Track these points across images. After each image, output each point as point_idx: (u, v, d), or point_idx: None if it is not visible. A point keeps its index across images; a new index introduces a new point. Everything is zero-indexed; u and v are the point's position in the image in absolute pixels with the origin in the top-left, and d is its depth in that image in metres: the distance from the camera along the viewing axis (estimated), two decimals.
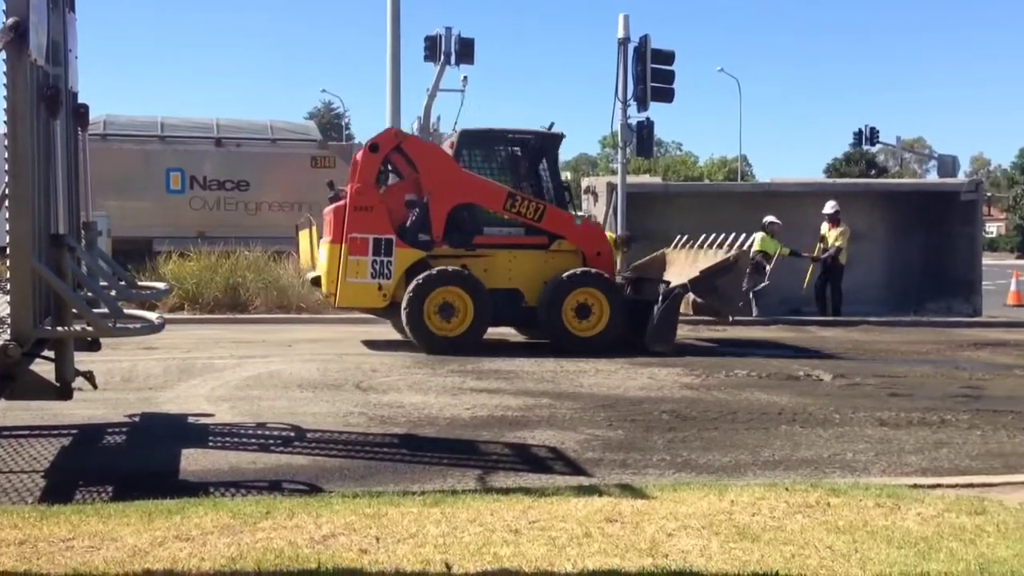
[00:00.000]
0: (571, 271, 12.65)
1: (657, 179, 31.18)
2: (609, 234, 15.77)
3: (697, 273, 12.83)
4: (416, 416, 8.12)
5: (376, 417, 8.04)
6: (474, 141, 13.36)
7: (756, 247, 17.20)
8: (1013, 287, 22.90)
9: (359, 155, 12.78)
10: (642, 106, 18.33)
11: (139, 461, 6.55)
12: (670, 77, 18.35)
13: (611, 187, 19.17)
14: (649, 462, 6.68)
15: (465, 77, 35.64)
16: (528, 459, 6.76)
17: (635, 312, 12.83)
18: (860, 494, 5.38)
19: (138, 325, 5.82)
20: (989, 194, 58.88)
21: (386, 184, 12.89)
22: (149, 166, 22.02)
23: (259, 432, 7.44)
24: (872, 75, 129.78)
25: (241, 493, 5.57)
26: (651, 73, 18.02)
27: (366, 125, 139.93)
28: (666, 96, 18.41)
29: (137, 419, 7.83)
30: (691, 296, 13.01)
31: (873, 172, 63.64)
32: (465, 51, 32.21)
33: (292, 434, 7.33)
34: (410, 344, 12.86)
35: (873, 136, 45.63)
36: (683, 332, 13.93)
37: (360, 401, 8.74)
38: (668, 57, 18.33)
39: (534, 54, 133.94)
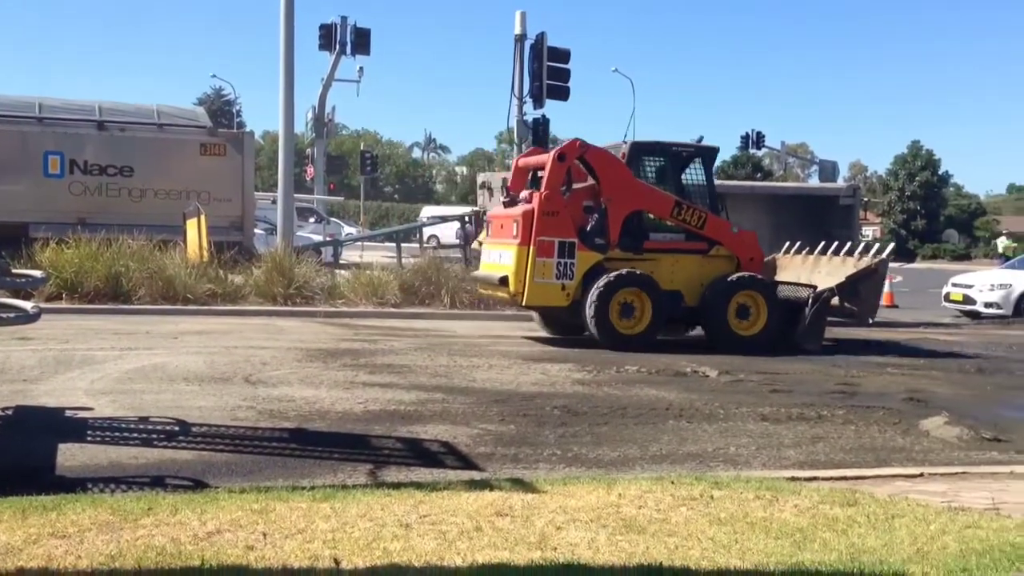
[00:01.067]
0: (737, 275, 13.51)
1: None
2: None
3: (843, 279, 13.67)
4: (307, 410, 8.01)
5: (265, 411, 7.89)
6: (643, 152, 14.10)
7: None
8: (887, 288, 23.99)
9: (549, 163, 13.24)
10: (538, 103, 18.51)
11: (12, 456, 6.26)
12: (566, 75, 18.56)
13: (506, 183, 19.24)
14: (540, 457, 6.75)
15: (361, 68, 35.37)
16: (420, 453, 6.75)
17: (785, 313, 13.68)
18: (741, 487, 5.56)
19: (12, 314, 5.58)
20: (866, 199, 61.42)
21: (570, 190, 13.39)
22: (26, 149, 21.02)
23: (142, 426, 7.21)
24: (759, 82, 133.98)
25: (122, 489, 5.39)
26: (547, 71, 18.20)
27: (258, 113, 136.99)
28: (562, 94, 18.62)
29: (10, 412, 7.48)
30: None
31: (759, 175, 65.66)
32: (361, 41, 31.84)
33: (177, 428, 7.13)
34: (301, 338, 12.65)
35: (759, 140, 47.17)
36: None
37: (249, 395, 8.57)
38: (564, 55, 18.54)
39: (432, 48, 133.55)
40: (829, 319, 14.08)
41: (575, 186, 13.51)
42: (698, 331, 14.23)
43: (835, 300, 13.71)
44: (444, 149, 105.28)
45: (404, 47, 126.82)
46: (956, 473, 6.51)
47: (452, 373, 10.45)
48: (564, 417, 8.14)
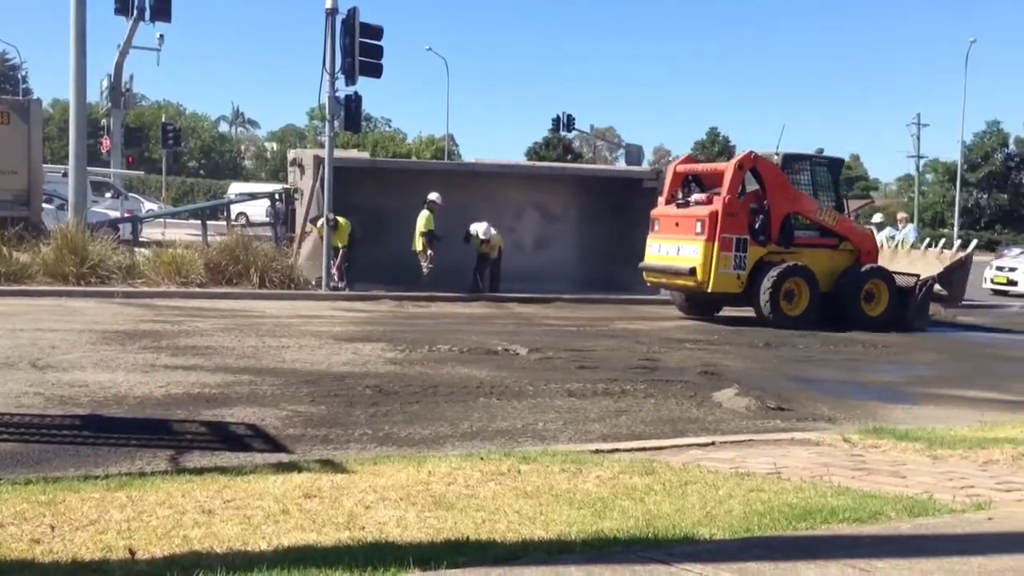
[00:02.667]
0: (867, 266, 16.21)
1: (365, 154, 31.08)
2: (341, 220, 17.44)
3: (943, 269, 16.71)
4: (102, 395, 7.60)
5: (55, 397, 7.43)
6: (792, 160, 16.49)
7: (421, 227, 17.90)
8: None
9: (728, 171, 15.66)
10: (350, 80, 18.15)
11: None
12: (378, 52, 18.31)
13: (318, 160, 18.89)
14: (351, 437, 6.71)
15: (161, 36, 33.55)
16: (226, 437, 6.55)
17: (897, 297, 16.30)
18: (548, 461, 5.73)
19: None
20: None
21: (744, 194, 15.89)
22: None
23: None
24: (571, 65, 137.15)
25: None
26: (359, 47, 17.88)
27: (47, 80, 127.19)
28: (374, 71, 18.36)
29: None
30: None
31: (569, 157, 67.34)
32: (161, 7, 30.17)
33: None
34: (96, 319, 11.97)
35: (570, 123, 48.33)
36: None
37: (36, 380, 8.04)
38: (376, 32, 18.28)
39: (240, 17, 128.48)
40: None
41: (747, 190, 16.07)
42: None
43: (937, 287, 16.52)
44: (253, 124, 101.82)
45: (209, 16, 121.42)
46: (744, 441, 6.97)
47: (261, 354, 10.19)
48: (376, 397, 8.11)
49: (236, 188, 44.82)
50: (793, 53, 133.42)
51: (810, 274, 15.65)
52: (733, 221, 15.37)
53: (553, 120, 47.93)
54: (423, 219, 18.17)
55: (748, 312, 15.73)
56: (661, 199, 16.82)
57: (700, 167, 17.23)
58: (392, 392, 8.34)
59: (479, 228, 18.26)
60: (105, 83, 33.18)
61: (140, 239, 22.99)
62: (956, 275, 16.93)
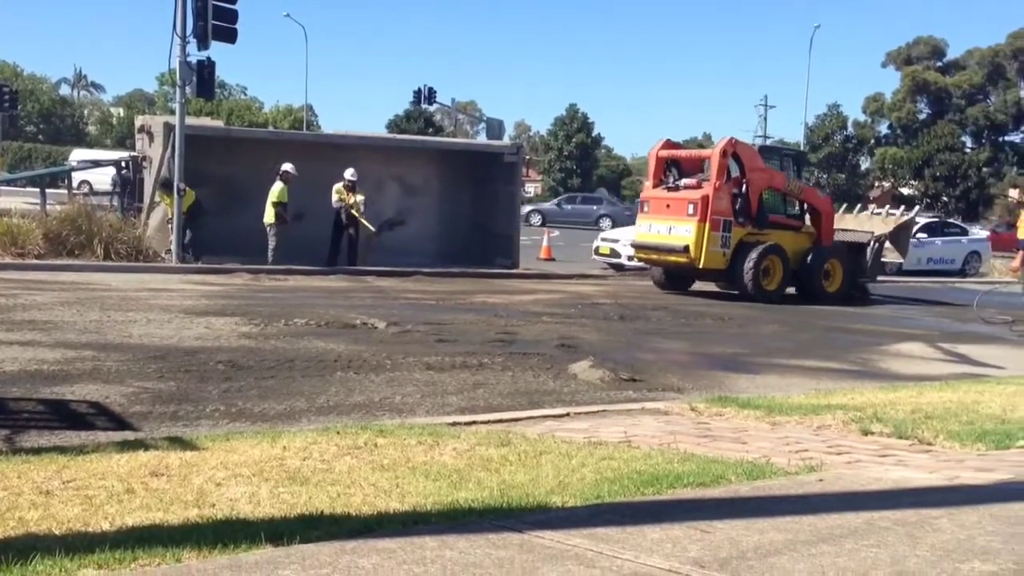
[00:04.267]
0: (827, 245, 18.04)
1: (219, 123, 30.00)
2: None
3: (893, 228, 19.30)
4: None
5: None
6: (767, 151, 19.95)
7: (274, 198, 17.55)
8: (545, 243, 25.61)
9: (715, 158, 17.24)
10: (203, 44, 17.47)
11: None
12: (233, 16, 17.69)
13: (169, 128, 18.13)
14: (203, 413, 6.53)
15: None
16: (66, 416, 6.27)
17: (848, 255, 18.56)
18: (405, 434, 5.74)
19: None
20: (528, 157, 64.79)
21: (730, 179, 17.38)
22: None
23: None
24: (433, 39, 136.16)
25: None
26: (212, 10, 17.23)
27: None
28: (229, 36, 17.73)
29: None
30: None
31: (431, 130, 66.94)
32: None
33: None
34: None
35: (431, 96, 48.00)
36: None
37: None
38: None
39: None
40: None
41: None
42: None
43: (888, 244, 18.90)
44: (97, 87, 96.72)
45: None
46: (597, 411, 7.17)
47: (105, 329, 9.76)
48: (229, 372, 7.91)
49: (78, 155, 42.51)
50: (650, 33, 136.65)
51: (783, 253, 17.44)
52: (721, 204, 17.03)
53: (414, 92, 47.49)
54: (276, 191, 17.71)
55: (587, 286, 16.06)
56: (648, 183, 18.42)
57: (682, 153, 18.87)
58: (246, 367, 8.15)
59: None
60: None
61: None
62: (902, 235, 19.63)
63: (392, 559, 3.35)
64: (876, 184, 72.91)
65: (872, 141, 72.52)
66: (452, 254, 20.89)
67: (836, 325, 14.58)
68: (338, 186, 18.23)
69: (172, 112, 19.35)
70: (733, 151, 17.56)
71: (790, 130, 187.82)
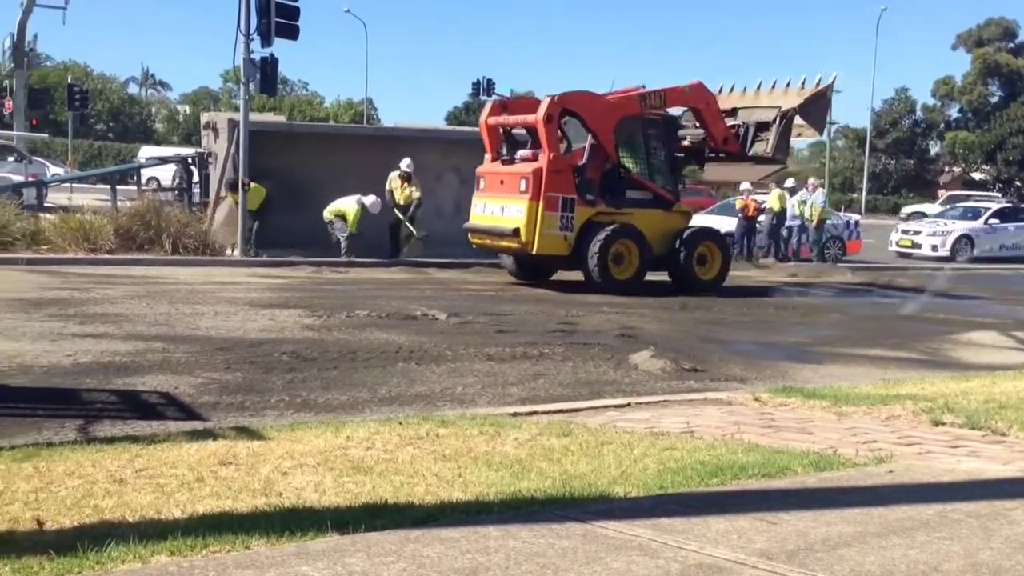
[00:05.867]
0: (699, 227, 16.32)
1: (282, 118, 30.44)
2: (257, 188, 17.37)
3: (803, 100, 16.07)
4: (5, 365, 7.36)
5: None
6: (624, 120, 15.36)
7: (349, 221, 17.33)
8: None
9: (539, 127, 14.46)
10: (266, 41, 17.71)
11: None
12: (295, 13, 17.90)
13: (233, 124, 18.44)
14: (268, 404, 6.64)
15: None
16: (138, 406, 6.42)
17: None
18: (466, 424, 5.77)
19: None
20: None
21: (570, 150, 15.13)
22: None
23: None
24: (491, 29, 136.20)
25: None
26: (275, 8, 17.45)
27: None
28: (291, 32, 17.95)
29: None
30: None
31: None
32: None
33: None
34: (1, 286, 11.55)
35: (490, 87, 48.06)
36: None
37: None
38: None
39: None
40: None
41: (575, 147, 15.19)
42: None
43: (797, 119, 16.13)
44: (164, 86, 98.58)
45: None
46: (659, 402, 7.12)
47: (174, 321, 9.98)
48: (293, 363, 8.03)
49: (147, 152, 43.51)
50: (711, 18, 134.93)
51: (639, 235, 14.95)
52: (559, 179, 14.46)
53: (473, 84, 47.73)
54: (353, 214, 17.53)
55: (662, 276, 15.92)
56: (488, 155, 15.66)
57: (511, 119, 15.46)
58: (309, 358, 8.26)
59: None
60: (7, 43, 31.82)
61: (45, 204, 22.18)
62: (816, 106, 16.53)
63: (456, 548, 3.37)
64: (946, 169, 71.07)
65: (942, 125, 70.62)
66: None
67: (902, 313, 14.26)
68: (393, 175, 18.23)
69: (236, 108, 19.70)
70: (561, 110, 14.66)
71: (856, 115, 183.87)
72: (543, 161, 14.44)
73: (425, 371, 8.02)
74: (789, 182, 23.57)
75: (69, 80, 44.95)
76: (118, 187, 22.63)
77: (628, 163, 15.54)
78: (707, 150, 16.69)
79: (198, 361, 7.91)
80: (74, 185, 29.30)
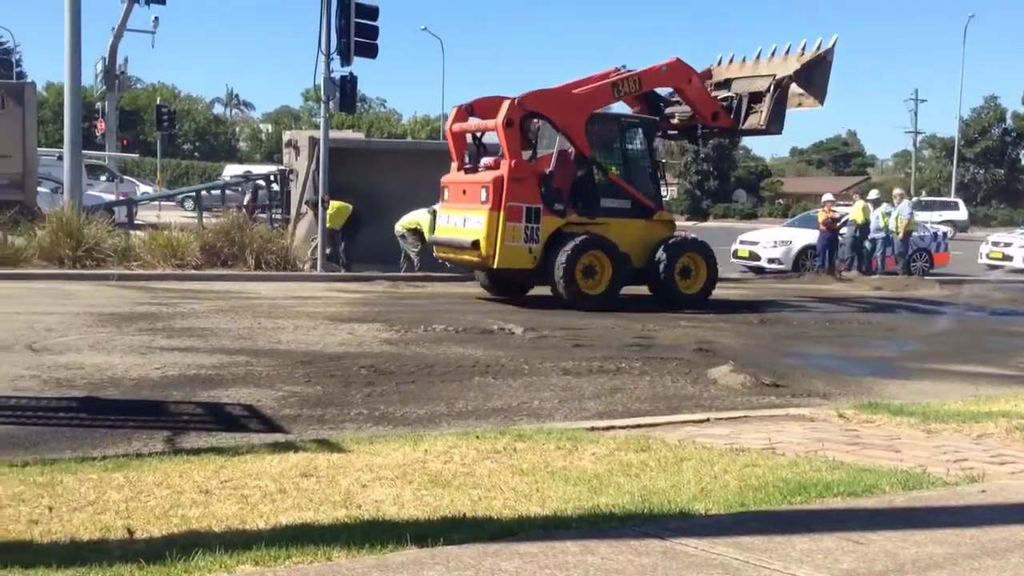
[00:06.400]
0: (683, 237, 14.97)
1: (360, 135, 30.96)
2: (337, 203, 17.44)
3: (800, 66, 14.89)
4: (98, 378, 7.60)
5: (51, 380, 7.44)
6: (599, 122, 14.66)
7: (425, 231, 17.29)
8: None
9: (500, 133, 13.56)
10: (346, 60, 18.04)
11: None
12: (374, 32, 18.20)
13: (314, 142, 18.84)
14: (347, 417, 6.72)
15: (156, 18, 33.39)
16: (222, 418, 6.57)
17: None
18: (543, 438, 5.75)
19: None
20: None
21: (535, 157, 14.18)
22: None
23: None
24: (557, 42, 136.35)
25: None
26: (355, 27, 17.77)
27: (42, 63, 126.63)
28: (370, 51, 18.26)
29: None
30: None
31: None
32: None
33: None
34: (91, 302, 11.95)
35: None
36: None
37: (32, 363, 8.04)
38: (372, 12, 18.16)
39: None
40: None
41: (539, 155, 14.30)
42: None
43: (793, 87, 15.03)
44: (248, 105, 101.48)
45: None
46: (739, 417, 6.99)
47: (256, 335, 10.19)
48: (371, 376, 8.12)
49: (231, 170, 44.70)
50: (792, 27, 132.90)
51: (612, 247, 13.91)
52: (522, 187, 13.47)
53: None
54: (427, 223, 17.31)
55: (728, 290, 15.64)
56: (454, 164, 14.83)
57: (474, 124, 14.57)
58: (387, 372, 8.35)
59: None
60: (100, 66, 33.05)
61: (135, 222, 22.96)
62: (816, 73, 15.12)
63: (534, 563, 3.36)
64: None
65: None
66: None
67: (994, 328, 13.79)
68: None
69: (316, 126, 20.07)
70: (526, 114, 13.68)
71: (943, 124, 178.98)
72: (504, 169, 13.51)
73: (502, 385, 8.04)
74: (873, 194, 23.02)
75: (158, 102, 46.53)
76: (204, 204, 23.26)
77: (613, 167, 14.67)
78: (699, 127, 15.86)
79: (280, 374, 8.06)
80: (162, 203, 30.22)
